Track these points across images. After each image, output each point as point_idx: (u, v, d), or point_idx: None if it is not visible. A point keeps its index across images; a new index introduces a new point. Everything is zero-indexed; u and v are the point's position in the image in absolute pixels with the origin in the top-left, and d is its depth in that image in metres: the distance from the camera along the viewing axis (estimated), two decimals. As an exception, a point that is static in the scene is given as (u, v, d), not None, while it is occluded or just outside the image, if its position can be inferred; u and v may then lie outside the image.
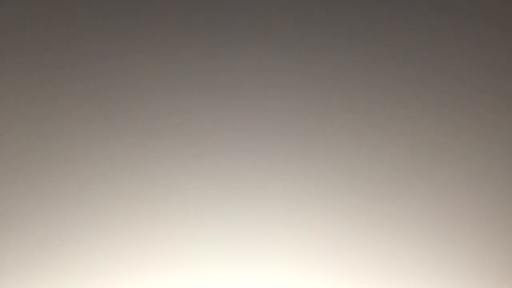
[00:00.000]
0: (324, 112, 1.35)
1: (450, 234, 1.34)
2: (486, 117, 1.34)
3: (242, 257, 1.34)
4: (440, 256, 1.34)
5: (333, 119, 1.34)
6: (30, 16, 1.33)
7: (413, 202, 1.34)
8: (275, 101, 1.35)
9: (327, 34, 1.34)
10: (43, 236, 1.32)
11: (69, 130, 1.33)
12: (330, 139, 1.34)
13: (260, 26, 1.34)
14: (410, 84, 1.34)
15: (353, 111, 1.35)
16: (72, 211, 1.33)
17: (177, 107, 1.34)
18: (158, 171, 1.33)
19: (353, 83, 1.35)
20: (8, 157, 1.32)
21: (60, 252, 1.32)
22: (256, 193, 1.34)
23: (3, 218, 1.32)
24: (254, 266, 1.34)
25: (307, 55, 1.34)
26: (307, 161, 1.34)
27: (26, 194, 1.32)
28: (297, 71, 1.35)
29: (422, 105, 1.34)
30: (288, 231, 1.34)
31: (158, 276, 1.33)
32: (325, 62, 1.34)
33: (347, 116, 1.35)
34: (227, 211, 1.34)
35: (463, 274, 1.34)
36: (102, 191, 1.33)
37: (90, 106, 1.33)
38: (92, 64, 1.33)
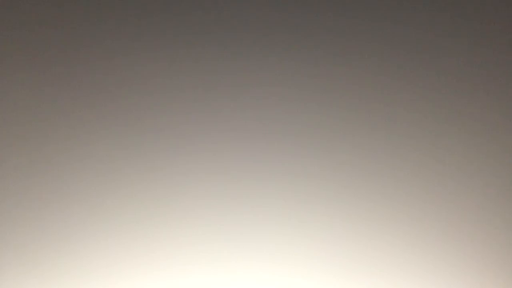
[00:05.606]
0: (324, 112, 1.35)
1: (450, 234, 1.35)
2: (486, 117, 1.34)
3: (242, 257, 1.34)
4: (440, 256, 1.34)
5: (333, 119, 1.35)
6: (30, 16, 1.33)
7: (413, 202, 1.35)
8: (275, 101, 1.35)
9: (327, 34, 1.35)
10: (43, 236, 1.32)
11: (69, 130, 1.33)
12: (330, 139, 1.34)
13: (260, 26, 1.34)
14: (410, 84, 1.35)
15: (353, 111, 1.35)
16: (73, 211, 1.33)
17: (177, 107, 1.34)
18: (158, 171, 1.33)
19: (353, 83, 1.35)
20: (8, 157, 1.32)
21: (60, 252, 1.32)
22: (256, 193, 1.34)
23: (3, 218, 1.32)
24: (254, 266, 1.34)
25: (307, 55, 1.35)
26: (307, 161, 1.34)
27: (26, 194, 1.32)
28: (297, 71, 1.35)
29: (422, 105, 1.35)
30: (288, 231, 1.34)
31: (159, 276, 1.33)
32: (325, 62, 1.35)
33: (347, 116, 1.35)
34: (227, 211, 1.34)
35: (463, 274, 1.34)
36: (103, 191, 1.33)
37: (91, 106, 1.33)
38: (92, 64, 1.33)
